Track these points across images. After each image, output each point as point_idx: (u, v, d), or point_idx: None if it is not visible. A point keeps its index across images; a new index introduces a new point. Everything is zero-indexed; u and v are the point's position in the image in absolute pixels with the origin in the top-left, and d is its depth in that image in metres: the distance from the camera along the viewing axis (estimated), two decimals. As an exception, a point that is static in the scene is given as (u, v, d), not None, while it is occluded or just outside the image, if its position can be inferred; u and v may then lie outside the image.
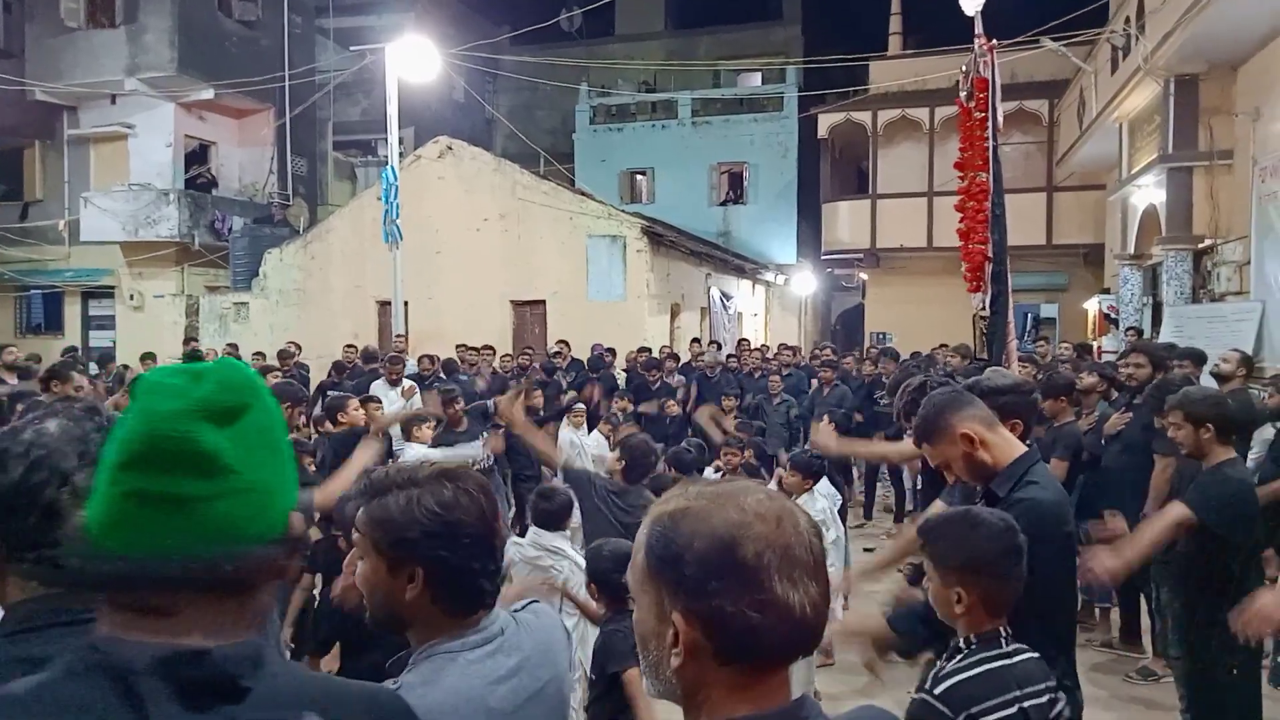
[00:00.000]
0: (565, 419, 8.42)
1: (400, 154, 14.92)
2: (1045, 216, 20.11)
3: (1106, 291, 16.54)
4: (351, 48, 17.45)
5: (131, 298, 19.34)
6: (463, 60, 17.11)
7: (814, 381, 10.60)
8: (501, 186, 16.60)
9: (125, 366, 11.15)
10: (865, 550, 7.77)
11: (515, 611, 1.77)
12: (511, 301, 16.72)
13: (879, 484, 10.24)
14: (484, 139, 22.82)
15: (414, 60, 14.18)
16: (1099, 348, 13.81)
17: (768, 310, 24.19)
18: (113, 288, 19.54)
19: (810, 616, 1.00)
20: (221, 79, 18.59)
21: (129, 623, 0.92)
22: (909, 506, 9.14)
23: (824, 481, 5.49)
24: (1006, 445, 2.53)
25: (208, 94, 18.88)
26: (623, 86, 25.53)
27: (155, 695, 0.87)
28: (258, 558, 0.96)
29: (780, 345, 14.38)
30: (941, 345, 12.02)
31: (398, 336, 13.79)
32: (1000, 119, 6.47)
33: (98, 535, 0.93)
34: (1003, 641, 2.14)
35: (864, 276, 23.34)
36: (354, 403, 5.93)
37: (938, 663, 2.21)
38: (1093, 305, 17.13)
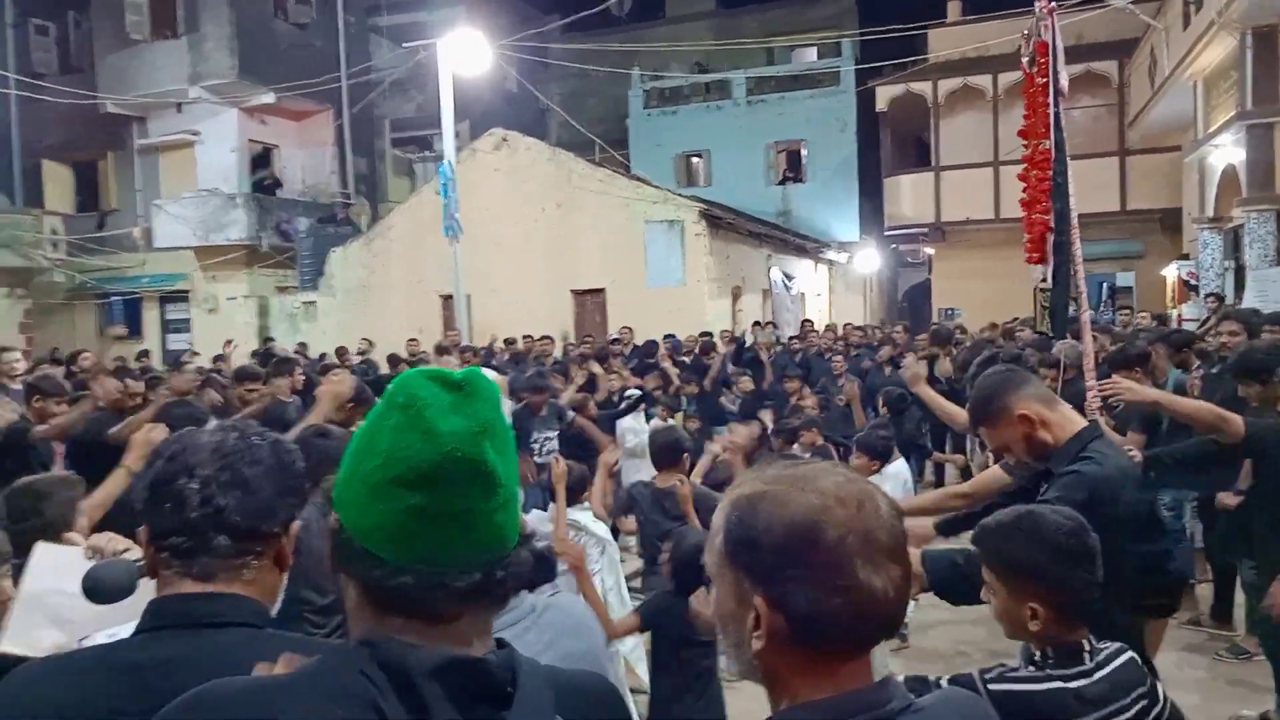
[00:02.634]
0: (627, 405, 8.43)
1: (456, 147, 15.05)
2: (1118, 181, 19.42)
3: (1185, 257, 15.92)
4: (404, 44, 17.63)
5: (205, 300, 19.93)
6: (514, 51, 17.15)
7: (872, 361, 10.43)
8: (557, 175, 16.66)
9: (215, 369, 11.51)
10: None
11: (551, 595, 1.82)
12: (571, 290, 16.79)
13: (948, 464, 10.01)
14: (538, 129, 22.89)
15: (466, 54, 14.26)
16: (1179, 316, 13.29)
17: (831, 290, 23.85)
18: (187, 292, 20.18)
19: (893, 599, 0.99)
20: (280, 82, 18.98)
21: (410, 628, 0.96)
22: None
23: (900, 466, 5.38)
24: (1067, 423, 2.44)
25: (268, 98, 19.31)
26: (675, 69, 25.37)
27: (435, 698, 0.91)
28: (520, 563, 1.01)
29: (846, 325, 14.16)
30: (1014, 319, 11.72)
31: (449, 331, 13.97)
32: (1064, 83, 6.22)
33: (379, 547, 0.95)
34: (1085, 657, 1.90)
35: (929, 251, 22.88)
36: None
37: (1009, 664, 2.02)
38: (1171, 272, 16.51)
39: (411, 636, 0.95)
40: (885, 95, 21.35)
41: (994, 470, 3.30)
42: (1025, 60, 6.84)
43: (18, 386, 6.59)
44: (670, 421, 8.45)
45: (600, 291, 16.61)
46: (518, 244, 16.54)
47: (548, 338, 12.72)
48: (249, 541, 1.28)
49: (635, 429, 8.20)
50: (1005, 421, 2.42)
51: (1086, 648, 1.92)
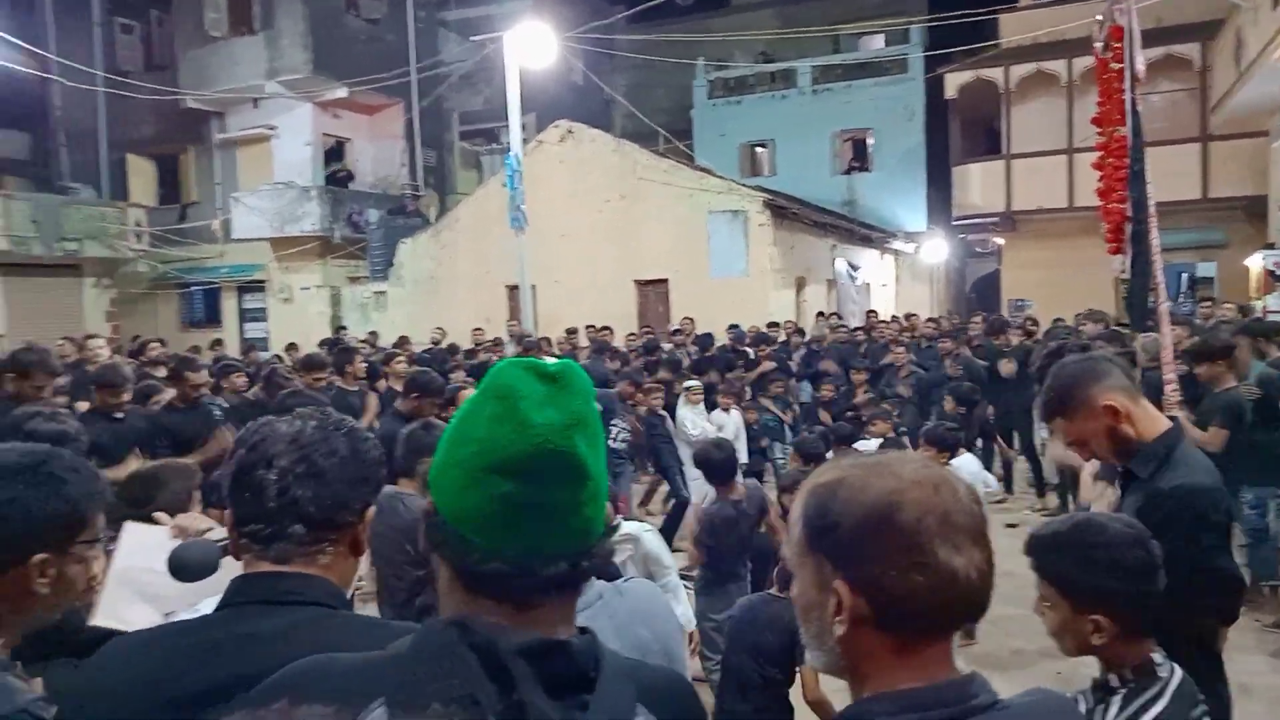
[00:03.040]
0: (683, 397, 8.47)
1: (523, 140, 15.21)
2: (1200, 168, 18.74)
3: (1271, 246, 15.29)
4: (472, 38, 17.84)
5: (281, 291, 20.49)
6: (579, 43, 17.25)
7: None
8: (621, 166, 16.71)
9: (278, 357, 11.87)
10: (1007, 526, 7.50)
11: (623, 582, 1.85)
12: (635, 281, 16.84)
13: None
14: (603, 120, 22.96)
15: (533, 46, 14.39)
16: (1265, 307, 12.80)
17: (898, 280, 23.50)
18: (263, 282, 20.76)
19: (975, 581, 0.99)
20: (353, 77, 19.36)
21: (499, 611, 0.98)
22: (1054, 481, 8.79)
23: (969, 459, 5.33)
24: (1151, 420, 2.33)
25: (341, 92, 19.72)
26: (739, 58, 25.19)
27: (523, 677, 0.92)
28: (605, 554, 1.05)
29: (908, 315, 13.97)
30: (1089, 310, 11.45)
31: (510, 322, 14.15)
32: (1140, 69, 6.04)
33: (472, 532, 0.98)
34: (1158, 671, 1.84)
35: (999, 241, 22.39)
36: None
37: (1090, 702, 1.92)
38: (1256, 262, 15.88)
39: (500, 620, 0.97)
40: (954, 82, 20.91)
41: (1095, 489, 3.21)
42: (1099, 46, 6.67)
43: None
44: (732, 412, 8.50)
45: (663, 282, 16.63)
46: (582, 235, 16.65)
47: (607, 328, 12.86)
48: (324, 530, 1.33)
49: (694, 419, 8.25)
50: (1087, 413, 2.30)
51: (1157, 660, 1.86)
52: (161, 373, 8.04)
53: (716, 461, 4.62)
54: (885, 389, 9.49)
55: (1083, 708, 1.87)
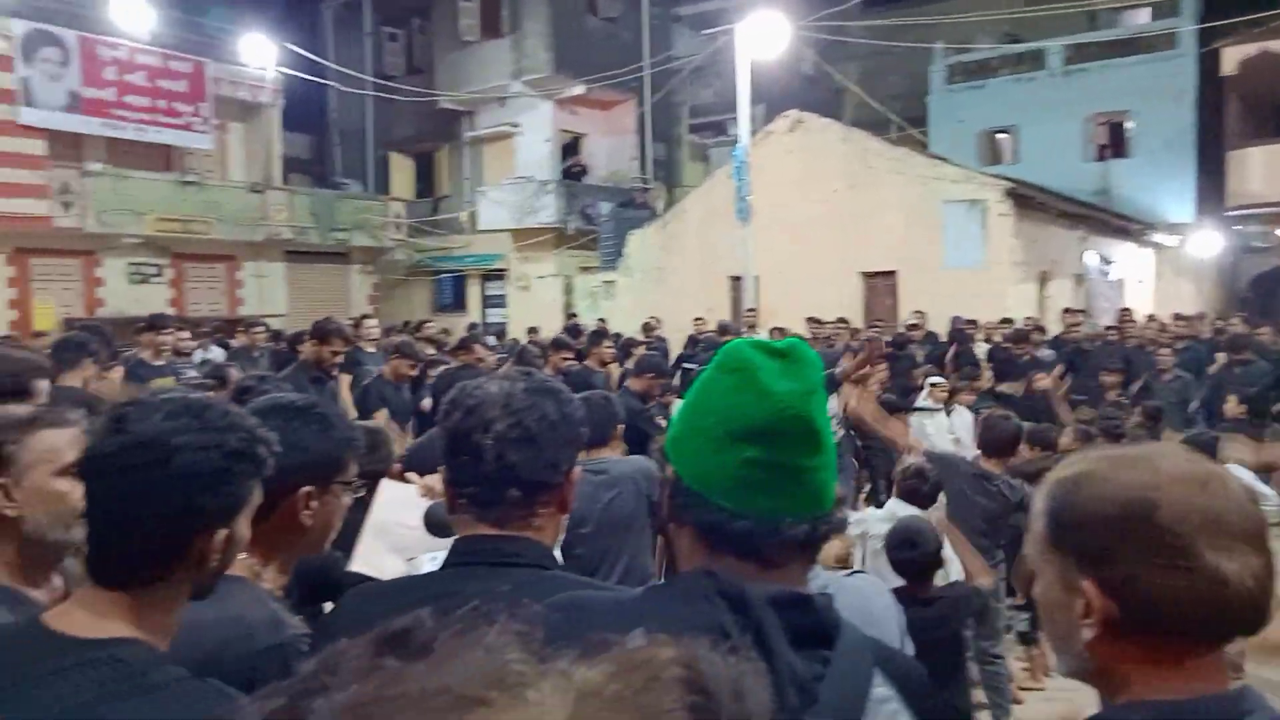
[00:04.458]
0: (927, 393, 8.16)
1: (751, 131, 15.21)
2: None
3: None
4: (704, 31, 18.05)
5: (519, 279, 21.74)
6: (811, 31, 17.01)
7: (1218, 357, 9.29)
8: (851, 155, 16.35)
9: (516, 340, 12.72)
10: None
11: (845, 577, 1.79)
12: (861, 273, 16.45)
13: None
14: (833, 109, 22.50)
15: (764, 37, 14.37)
16: None
17: (1158, 276, 21.45)
18: (504, 270, 22.11)
19: (1253, 589, 0.90)
20: (590, 75, 20.16)
21: (742, 569, 1.03)
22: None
23: (1236, 468, 4.83)
24: None
25: (579, 90, 20.61)
26: (981, 40, 23.88)
27: (771, 624, 0.97)
28: (838, 524, 1.10)
29: (1174, 315, 12.74)
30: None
31: (748, 311, 14.18)
32: None
33: (719, 496, 1.04)
34: None
35: (1283, 233, 19.92)
36: None
37: None
38: None
39: (749, 575, 1.01)
40: (1234, 57, 18.77)
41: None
42: None
43: (373, 350, 7.65)
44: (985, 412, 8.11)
45: (891, 274, 16.12)
46: (808, 226, 16.43)
47: (844, 320, 12.74)
48: (537, 492, 1.38)
49: (925, 423, 7.94)
50: None
51: None
52: (432, 350, 8.81)
53: (1000, 432, 4.66)
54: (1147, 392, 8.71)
55: None
